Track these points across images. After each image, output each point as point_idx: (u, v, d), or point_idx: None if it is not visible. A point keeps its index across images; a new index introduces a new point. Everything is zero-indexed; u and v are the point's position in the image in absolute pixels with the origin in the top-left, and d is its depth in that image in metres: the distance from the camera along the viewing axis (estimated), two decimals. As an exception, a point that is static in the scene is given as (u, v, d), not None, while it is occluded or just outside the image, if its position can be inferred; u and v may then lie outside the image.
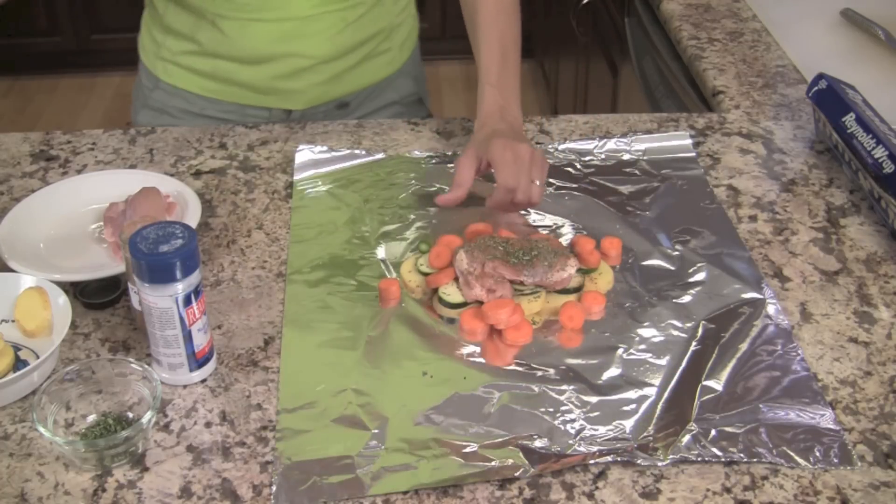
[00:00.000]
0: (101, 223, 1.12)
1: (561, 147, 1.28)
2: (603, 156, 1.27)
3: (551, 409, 0.90)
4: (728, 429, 0.88)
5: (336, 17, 1.31)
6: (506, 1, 1.24)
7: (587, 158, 1.26)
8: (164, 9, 1.34)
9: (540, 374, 0.94)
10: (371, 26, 1.36)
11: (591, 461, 0.85)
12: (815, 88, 1.27)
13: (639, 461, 0.85)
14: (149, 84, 1.42)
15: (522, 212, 1.17)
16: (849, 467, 0.85)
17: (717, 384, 0.93)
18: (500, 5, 1.23)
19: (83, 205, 1.15)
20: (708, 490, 0.83)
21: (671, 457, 0.85)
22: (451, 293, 1.02)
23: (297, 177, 1.22)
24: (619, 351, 0.97)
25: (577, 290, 1.03)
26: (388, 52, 1.42)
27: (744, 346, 0.97)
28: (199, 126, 1.35)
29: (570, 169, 1.24)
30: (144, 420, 0.84)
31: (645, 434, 0.87)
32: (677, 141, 1.29)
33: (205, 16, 1.30)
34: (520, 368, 0.95)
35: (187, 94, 1.39)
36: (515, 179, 1.10)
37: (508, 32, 1.23)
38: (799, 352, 0.97)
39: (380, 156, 1.26)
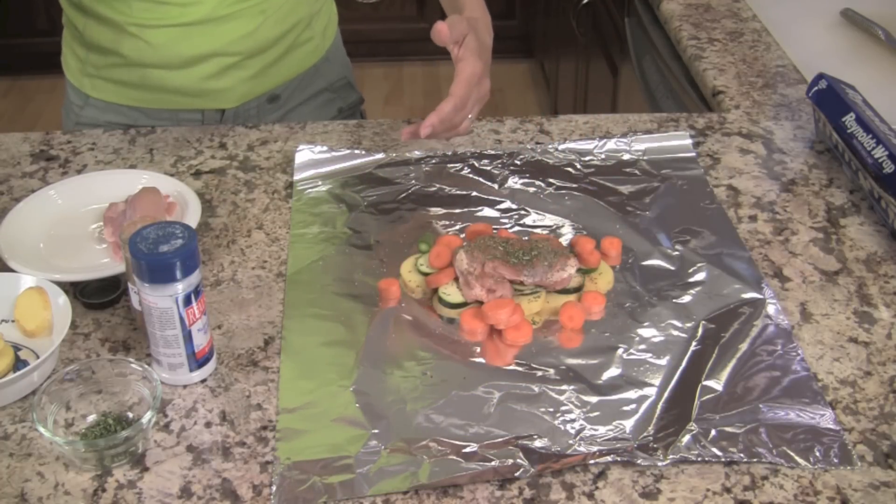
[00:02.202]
0: (101, 223, 1.12)
1: (561, 147, 1.28)
2: (603, 156, 1.27)
3: (551, 409, 0.90)
4: (728, 429, 0.88)
5: (255, 11, 1.32)
6: None
7: (587, 158, 1.26)
8: (83, 25, 1.34)
9: (540, 374, 0.94)
10: (290, 17, 1.37)
11: (591, 461, 0.85)
12: (815, 88, 1.27)
13: (639, 461, 0.85)
14: (78, 102, 1.42)
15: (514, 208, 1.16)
16: (849, 467, 0.85)
17: (717, 384, 0.93)
18: None
19: (83, 205, 1.15)
20: (708, 490, 0.83)
21: (671, 457, 0.85)
22: (451, 293, 1.02)
23: (297, 177, 1.22)
24: (619, 351, 0.97)
25: (577, 290, 1.04)
26: (311, 40, 1.44)
27: (744, 346, 0.97)
28: (200, 126, 1.35)
29: (570, 169, 1.24)
30: (144, 420, 0.84)
31: (645, 434, 0.87)
32: (677, 141, 1.29)
33: (125, 28, 1.30)
34: (520, 368, 0.95)
35: (118, 106, 1.39)
36: (468, 97, 1.12)
37: None
38: (799, 352, 0.97)
39: (380, 156, 1.26)
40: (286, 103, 1.45)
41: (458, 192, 1.20)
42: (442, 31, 1.10)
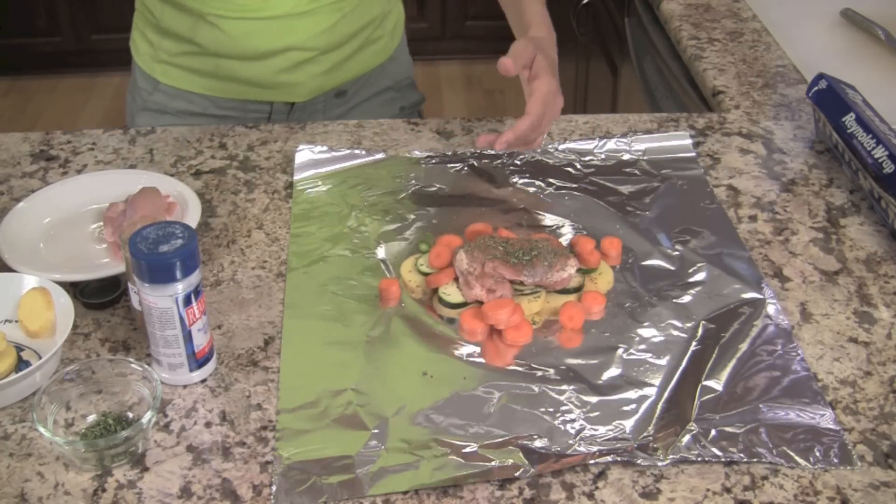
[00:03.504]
0: (101, 223, 1.12)
1: (561, 147, 1.28)
2: (603, 156, 1.27)
3: (551, 409, 0.90)
4: (728, 429, 0.88)
5: (332, 9, 1.33)
6: None
7: (587, 158, 1.26)
8: (160, 12, 1.35)
9: (540, 374, 0.94)
10: (365, 15, 1.39)
11: (591, 461, 0.85)
12: (815, 88, 1.27)
13: (639, 461, 0.85)
14: (147, 87, 1.43)
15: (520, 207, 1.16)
16: (849, 467, 0.85)
17: (717, 384, 0.93)
18: None
19: (83, 205, 1.15)
20: (708, 490, 0.83)
21: (671, 457, 0.85)
22: (451, 293, 1.02)
23: (297, 177, 1.22)
24: (619, 351, 0.97)
25: (577, 290, 1.04)
26: (381, 39, 1.45)
27: (744, 346, 0.97)
28: (200, 126, 1.35)
29: (570, 169, 1.24)
30: (144, 420, 0.84)
31: (645, 434, 0.87)
32: (677, 141, 1.29)
33: (204, 17, 1.30)
34: (520, 368, 0.95)
35: (188, 94, 1.40)
36: (541, 117, 1.13)
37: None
38: (799, 352, 0.97)
39: (380, 156, 1.26)
40: (352, 99, 1.46)
41: (458, 192, 1.20)
42: (507, 65, 1.12)
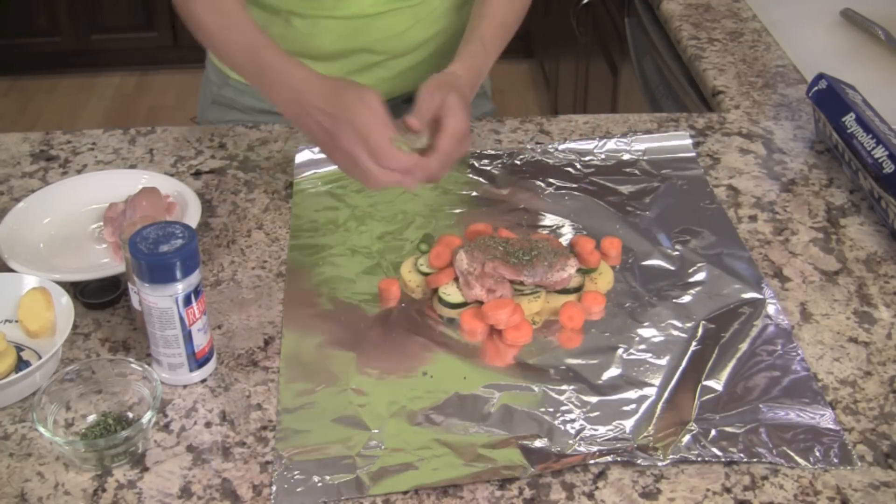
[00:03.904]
0: (101, 223, 1.12)
1: (561, 147, 1.28)
2: (603, 156, 1.27)
3: (551, 409, 0.90)
4: (728, 429, 0.88)
5: (407, 14, 1.32)
6: None
7: (587, 158, 1.26)
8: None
9: (540, 374, 0.94)
10: (439, 22, 1.37)
11: (591, 461, 0.85)
12: (815, 88, 1.27)
13: (639, 461, 0.85)
14: (217, 81, 1.42)
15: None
16: (849, 467, 0.85)
17: (717, 384, 0.93)
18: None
19: (83, 205, 1.15)
20: (708, 490, 0.83)
21: (671, 457, 0.85)
22: (451, 293, 1.02)
23: (297, 177, 1.22)
24: (619, 351, 0.97)
25: (577, 290, 1.04)
26: (454, 48, 1.42)
27: (744, 346, 0.97)
28: (200, 126, 1.35)
29: (570, 169, 1.24)
30: (144, 420, 0.84)
31: (645, 434, 0.87)
32: (677, 141, 1.29)
33: (278, 13, 1.30)
34: (520, 368, 0.95)
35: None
36: (454, 152, 1.06)
37: (511, 14, 1.24)
38: (799, 352, 0.97)
39: (380, 156, 1.26)
40: None
41: (458, 192, 1.20)
42: (412, 125, 1.07)
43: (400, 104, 1.40)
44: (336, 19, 1.29)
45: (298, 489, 0.82)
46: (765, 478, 0.84)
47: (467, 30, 1.23)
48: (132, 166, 1.25)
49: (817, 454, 0.86)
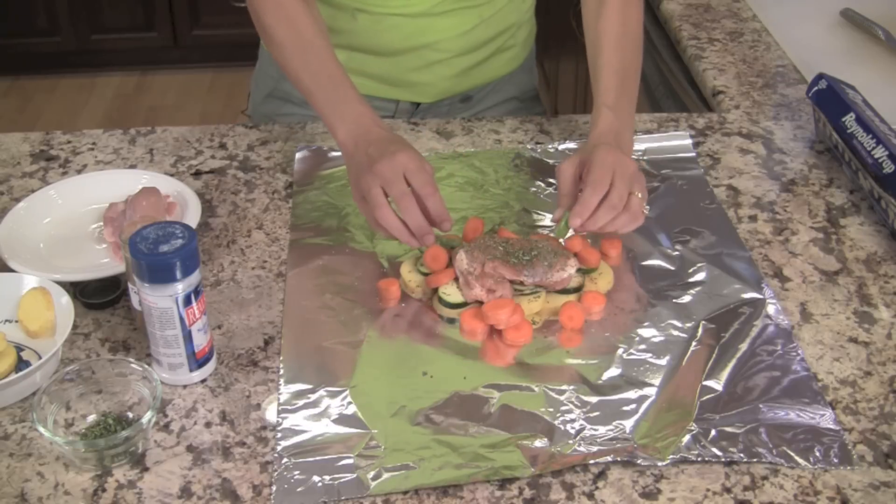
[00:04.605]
0: (101, 223, 1.12)
1: (561, 147, 1.28)
2: (603, 156, 1.27)
3: (551, 409, 0.90)
4: (728, 429, 0.88)
5: (472, 13, 1.32)
6: (631, 27, 1.20)
7: (587, 158, 1.26)
8: None
9: (540, 374, 0.94)
10: (503, 22, 1.37)
11: (591, 461, 0.85)
12: (815, 88, 1.27)
13: (639, 461, 0.85)
14: (274, 74, 1.41)
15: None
16: (849, 467, 0.85)
17: (717, 384, 0.93)
18: (625, 31, 1.19)
19: (83, 205, 1.15)
20: (708, 490, 0.83)
21: (671, 457, 0.85)
22: (451, 293, 1.02)
23: (297, 177, 1.22)
24: (619, 351, 0.97)
25: (577, 290, 1.03)
26: (513, 48, 1.42)
27: (744, 346, 0.97)
28: (200, 126, 1.35)
29: (570, 169, 1.24)
30: (144, 420, 0.84)
31: (645, 434, 0.87)
32: (677, 141, 1.29)
33: (345, 8, 1.29)
34: (520, 368, 0.95)
35: None
36: (608, 180, 1.01)
37: (631, 62, 1.19)
38: (799, 352, 0.97)
39: (380, 156, 1.26)
40: (476, 105, 1.44)
41: (458, 192, 1.20)
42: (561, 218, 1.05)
43: (457, 102, 1.40)
44: (401, 17, 1.29)
45: (298, 489, 0.82)
46: (765, 478, 0.84)
47: (593, 94, 1.18)
48: (132, 166, 1.25)
49: (817, 454, 0.86)
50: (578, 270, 1.05)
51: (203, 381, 0.94)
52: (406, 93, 1.38)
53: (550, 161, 1.25)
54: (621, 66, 1.16)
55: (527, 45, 1.47)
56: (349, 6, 1.29)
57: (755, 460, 0.85)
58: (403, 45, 1.31)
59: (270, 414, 0.90)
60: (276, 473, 0.84)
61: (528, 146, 1.29)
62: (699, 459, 0.85)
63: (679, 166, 1.25)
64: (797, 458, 0.86)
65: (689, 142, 1.30)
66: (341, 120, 1.09)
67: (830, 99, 1.24)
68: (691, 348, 0.97)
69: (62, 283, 0.98)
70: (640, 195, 1.04)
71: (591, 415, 0.89)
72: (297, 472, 0.84)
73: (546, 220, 1.15)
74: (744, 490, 0.83)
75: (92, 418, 0.88)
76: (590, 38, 1.23)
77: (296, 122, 1.35)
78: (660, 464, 0.85)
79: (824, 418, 0.89)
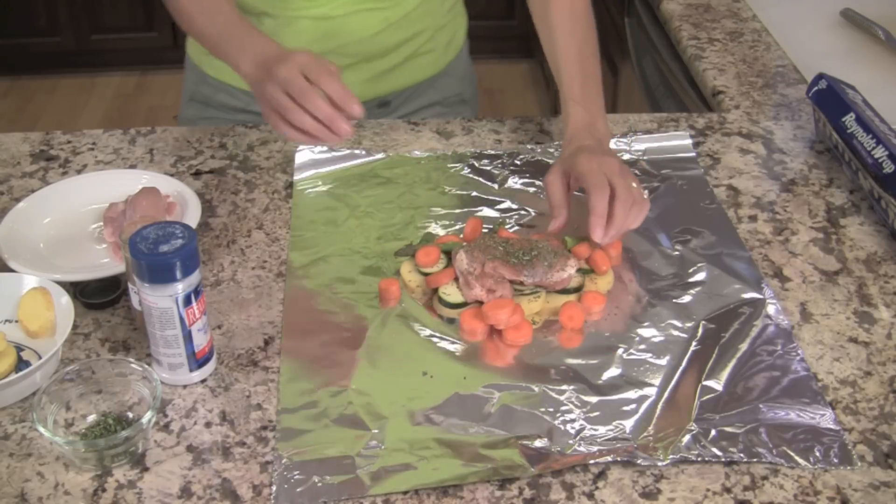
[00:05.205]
0: (101, 223, 1.12)
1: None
2: (603, 156, 1.27)
3: (551, 409, 0.90)
4: (728, 429, 0.88)
5: (378, 16, 1.31)
6: (579, 12, 1.21)
7: (587, 158, 1.26)
8: None
9: (540, 374, 0.94)
10: (413, 26, 1.36)
11: (591, 461, 0.85)
12: (815, 88, 1.27)
13: (639, 461, 0.85)
14: (194, 78, 1.43)
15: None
16: (849, 467, 0.85)
17: (717, 384, 0.93)
18: (574, 16, 1.21)
19: (83, 205, 1.15)
20: (708, 490, 0.83)
21: (671, 457, 0.85)
22: (451, 293, 1.02)
23: (297, 177, 1.22)
24: (619, 351, 0.97)
25: (577, 290, 1.03)
26: (432, 52, 1.41)
27: (744, 346, 0.97)
28: (200, 126, 1.35)
29: (570, 169, 1.24)
30: (144, 420, 0.84)
31: (645, 434, 0.87)
32: (677, 141, 1.29)
33: (250, 12, 1.30)
34: (520, 368, 0.95)
35: (232, 88, 1.39)
36: (607, 183, 1.03)
37: (586, 45, 1.20)
38: (799, 352, 0.97)
39: (380, 156, 1.26)
40: (395, 111, 1.43)
41: (458, 192, 1.20)
42: (553, 230, 1.07)
43: (374, 108, 1.40)
44: (306, 20, 1.29)
45: (298, 489, 0.82)
46: (765, 478, 0.84)
47: (559, 92, 1.19)
48: (132, 166, 1.25)
49: (817, 454, 0.86)
50: (578, 270, 1.05)
51: (203, 381, 0.94)
52: None
53: (551, 161, 1.25)
54: (579, 53, 1.18)
55: (450, 49, 1.45)
56: (254, 11, 1.30)
57: (755, 460, 0.85)
58: (310, 49, 1.31)
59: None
60: (276, 473, 0.84)
61: (528, 146, 1.28)
62: (699, 459, 0.85)
63: (679, 166, 1.25)
64: (797, 458, 0.86)
65: (689, 142, 1.30)
66: (243, 52, 1.10)
67: (830, 99, 1.24)
68: (691, 348, 0.97)
69: (62, 283, 0.98)
70: (634, 184, 1.05)
71: (591, 415, 0.89)
72: (297, 472, 0.84)
73: (546, 220, 1.15)
74: (744, 490, 0.83)
75: (92, 418, 0.88)
76: (542, 30, 1.24)
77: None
78: (660, 464, 0.85)
79: (824, 418, 0.89)
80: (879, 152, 1.13)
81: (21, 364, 0.93)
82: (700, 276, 1.06)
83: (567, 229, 1.13)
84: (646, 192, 1.10)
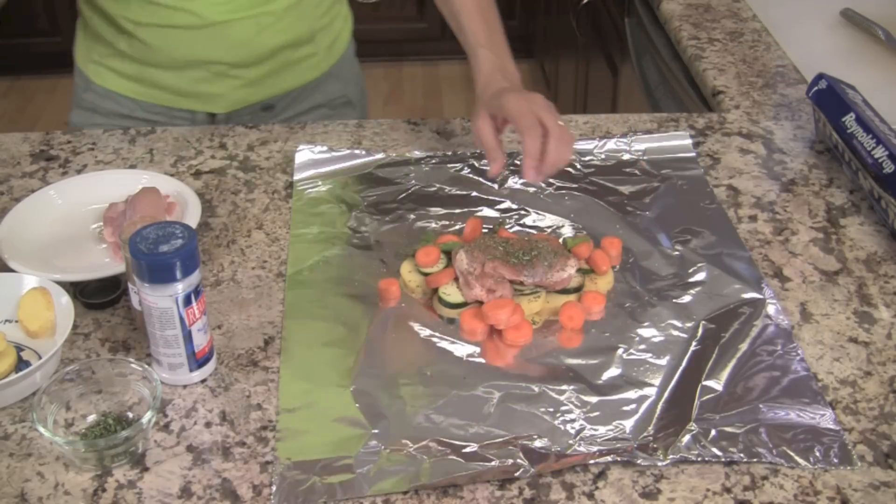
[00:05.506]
0: (101, 223, 1.12)
1: (561, 147, 1.28)
2: (603, 156, 1.27)
3: (551, 409, 0.90)
4: (728, 429, 0.88)
5: (250, 23, 1.30)
6: None
7: (587, 158, 1.26)
8: (89, 15, 1.36)
9: (540, 374, 0.94)
10: (289, 31, 1.35)
11: (591, 461, 0.85)
12: (815, 88, 1.27)
13: (639, 461, 0.85)
14: (81, 84, 1.44)
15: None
16: (849, 467, 0.85)
17: (717, 384, 0.93)
18: None
19: (83, 205, 1.15)
20: (708, 490, 0.83)
21: (671, 457, 0.85)
22: (451, 293, 1.02)
23: (297, 177, 1.22)
24: (619, 351, 0.97)
25: (577, 290, 1.04)
26: (314, 56, 1.41)
27: (744, 346, 0.97)
28: (199, 126, 1.35)
29: (570, 169, 1.24)
30: (144, 420, 0.84)
31: (645, 434, 0.87)
32: (677, 141, 1.29)
33: (123, 23, 1.30)
34: (520, 368, 0.95)
35: (116, 95, 1.39)
36: (538, 123, 1.07)
37: (486, 4, 1.23)
38: (799, 352, 0.97)
39: (380, 156, 1.26)
40: (280, 114, 1.44)
41: (458, 192, 1.20)
42: (493, 174, 1.13)
43: (258, 111, 1.40)
44: (178, 29, 1.29)
45: (298, 489, 0.82)
46: (765, 478, 0.84)
47: (464, 45, 1.22)
48: (132, 166, 1.25)
49: (817, 454, 0.86)
50: (578, 270, 1.05)
51: (203, 381, 0.94)
52: (200, 104, 1.38)
53: (550, 161, 1.25)
54: (479, 8, 1.22)
55: (333, 51, 1.45)
56: (126, 20, 1.30)
57: (755, 460, 0.85)
58: (185, 58, 1.32)
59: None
60: (276, 473, 0.84)
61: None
62: (699, 459, 0.85)
63: (679, 166, 1.25)
64: (797, 458, 0.86)
65: (689, 142, 1.30)
66: None
67: (830, 99, 1.24)
68: (691, 348, 0.97)
69: (62, 283, 0.98)
70: (560, 122, 1.09)
71: (591, 415, 0.89)
72: (297, 472, 0.84)
73: (546, 219, 1.15)
74: (744, 490, 0.83)
75: (92, 418, 0.88)
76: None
77: (296, 123, 1.35)
78: (660, 464, 0.85)
79: (824, 418, 0.89)
80: (879, 152, 1.13)
81: (21, 364, 0.93)
82: (700, 276, 1.06)
83: (567, 229, 1.14)
84: (571, 130, 1.14)
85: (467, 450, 0.86)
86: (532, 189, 1.20)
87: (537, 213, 1.17)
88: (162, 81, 1.35)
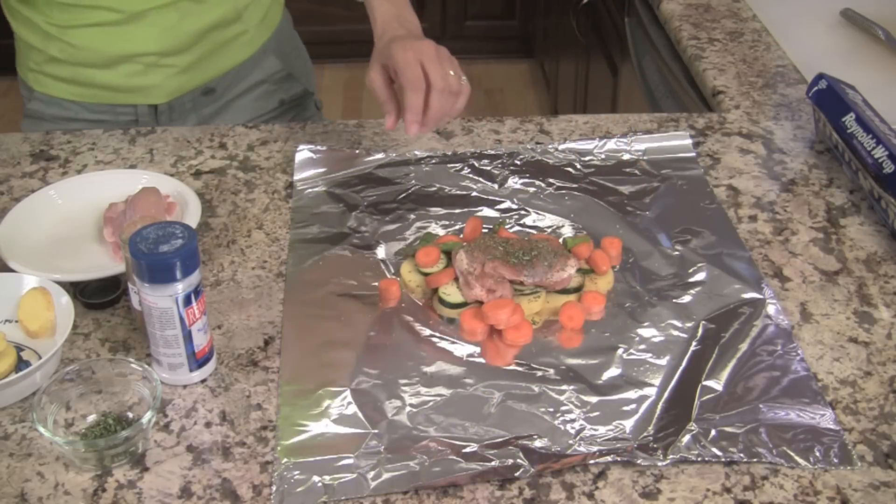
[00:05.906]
0: (102, 223, 1.12)
1: (561, 147, 1.28)
2: (603, 156, 1.27)
3: (551, 409, 0.90)
4: (728, 429, 0.88)
5: (170, 10, 1.30)
6: None
7: (587, 158, 1.26)
8: (17, 26, 1.36)
9: (540, 374, 0.94)
10: (211, 13, 1.34)
11: (591, 461, 0.85)
12: (815, 88, 1.27)
13: (639, 461, 0.85)
14: (25, 94, 1.44)
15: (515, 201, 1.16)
16: (849, 467, 0.85)
17: (717, 384, 0.93)
18: None
19: (83, 205, 1.15)
20: (708, 490, 0.83)
21: (671, 457, 0.85)
22: (451, 293, 1.02)
23: (297, 177, 1.22)
24: (619, 351, 0.97)
25: (577, 290, 1.04)
26: (244, 34, 1.41)
27: (744, 346, 0.97)
28: (199, 126, 1.35)
29: (570, 169, 1.24)
30: (144, 420, 0.84)
31: (645, 434, 0.87)
32: (677, 141, 1.29)
33: (47, 29, 1.31)
34: (520, 368, 0.95)
35: (59, 100, 1.40)
36: (422, 77, 1.06)
37: None
38: (799, 352, 0.97)
39: (380, 156, 1.26)
40: (222, 96, 1.43)
41: (458, 192, 1.20)
42: (389, 126, 1.12)
43: (199, 97, 1.40)
44: (102, 26, 1.29)
45: (298, 489, 0.82)
46: (765, 478, 0.84)
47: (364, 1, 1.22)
48: (132, 166, 1.25)
49: (817, 454, 0.86)
50: (578, 270, 1.05)
51: (203, 381, 0.94)
52: (139, 97, 1.38)
53: (551, 161, 1.25)
54: None
55: (265, 26, 1.44)
56: (49, 25, 1.30)
57: (755, 460, 0.85)
58: (112, 54, 1.32)
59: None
60: (276, 473, 0.84)
61: (528, 146, 1.29)
62: (699, 459, 0.85)
63: (679, 166, 1.25)
64: (797, 458, 0.86)
65: (689, 142, 1.30)
66: None
67: (830, 99, 1.24)
68: (691, 348, 0.97)
69: (62, 283, 0.98)
70: (452, 72, 1.07)
71: (591, 415, 0.89)
72: (297, 472, 0.84)
73: (546, 219, 1.16)
74: (744, 490, 0.83)
75: (92, 418, 0.88)
76: None
77: (296, 123, 1.35)
78: (660, 464, 0.85)
79: (824, 418, 0.89)
80: (879, 152, 1.13)
81: (21, 364, 0.93)
82: (700, 276, 1.06)
83: (567, 229, 1.14)
84: (464, 78, 1.11)
85: (467, 450, 0.86)
86: (532, 189, 1.20)
87: (537, 213, 1.17)
88: (98, 80, 1.35)
